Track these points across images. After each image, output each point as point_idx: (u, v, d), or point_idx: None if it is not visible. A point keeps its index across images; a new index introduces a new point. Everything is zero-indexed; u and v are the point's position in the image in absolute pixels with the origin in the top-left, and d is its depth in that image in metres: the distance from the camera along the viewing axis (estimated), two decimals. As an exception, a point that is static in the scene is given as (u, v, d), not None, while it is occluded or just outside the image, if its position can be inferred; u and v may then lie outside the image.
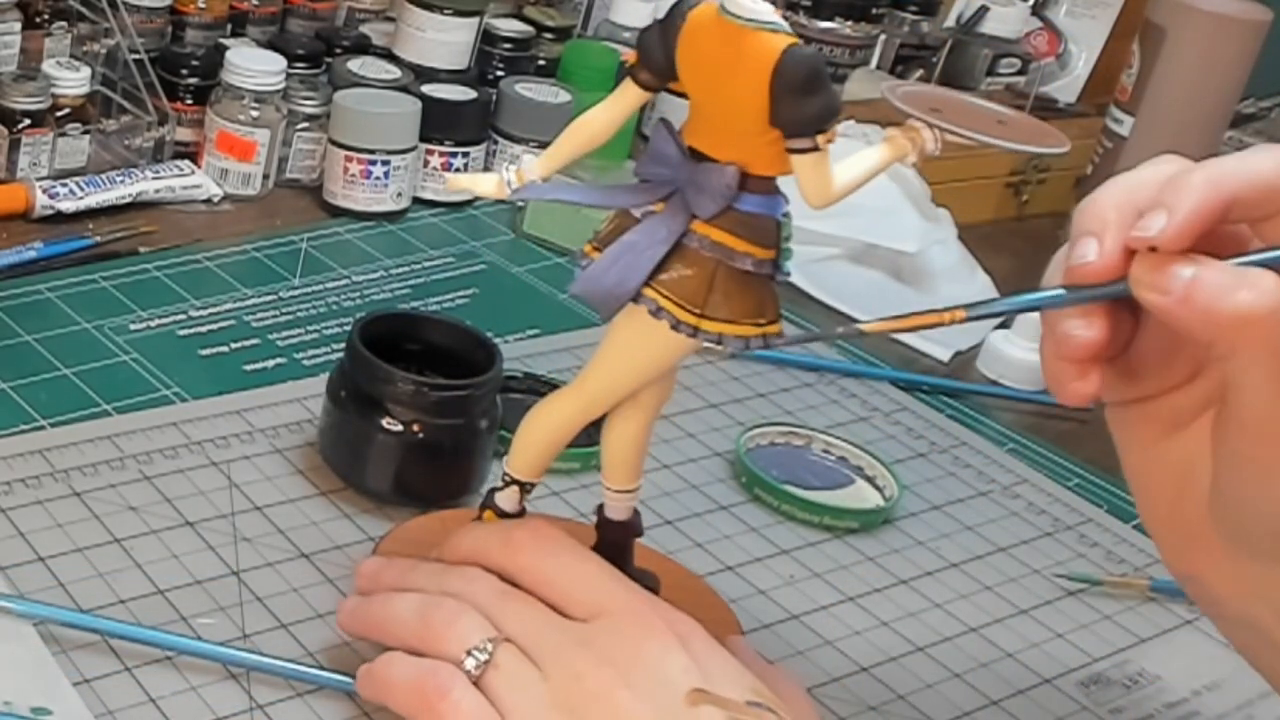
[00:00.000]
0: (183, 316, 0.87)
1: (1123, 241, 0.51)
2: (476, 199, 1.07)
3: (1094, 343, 0.52)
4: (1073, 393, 0.54)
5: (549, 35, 1.19)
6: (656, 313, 0.55)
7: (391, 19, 1.15)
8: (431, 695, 0.56)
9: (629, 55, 0.57)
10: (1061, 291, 0.53)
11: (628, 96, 0.56)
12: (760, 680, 0.57)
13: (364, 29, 1.16)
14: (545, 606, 0.58)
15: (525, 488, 0.63)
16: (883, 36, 1.37)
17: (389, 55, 1.11)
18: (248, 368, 0.83)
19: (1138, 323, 0.53)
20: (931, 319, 0.54)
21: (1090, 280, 0.52)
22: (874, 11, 1.36)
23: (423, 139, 1.03)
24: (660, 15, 0.55)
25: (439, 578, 0.61)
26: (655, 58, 0.54)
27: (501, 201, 1.07)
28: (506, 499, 0.63)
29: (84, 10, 1.02)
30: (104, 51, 1.03)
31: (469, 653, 0.56)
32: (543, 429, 0.61)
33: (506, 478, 0.63)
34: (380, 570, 0.63)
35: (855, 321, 0.57)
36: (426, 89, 1.05)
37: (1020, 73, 1.36)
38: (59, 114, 0.98)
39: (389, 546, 0.67)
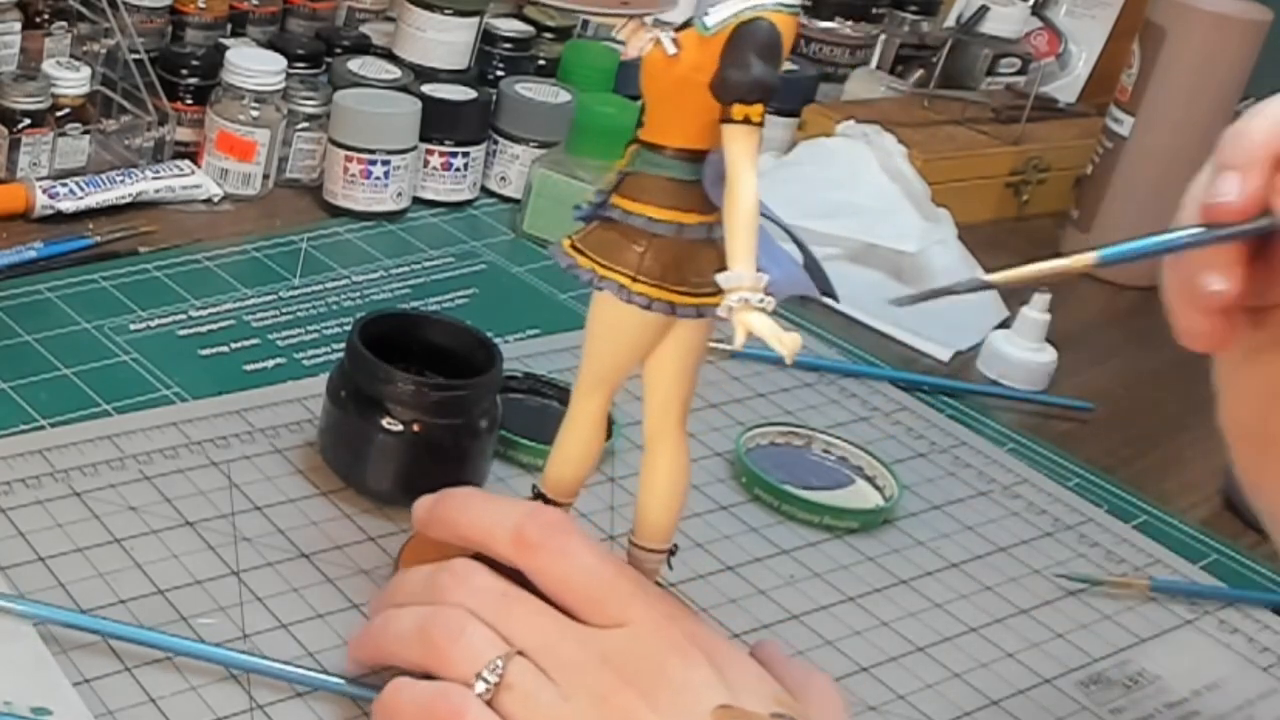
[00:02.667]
0: (183, 316, 0.87)
1: (1269, 175, 0.49)
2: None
3: (1230, 296, 0.50)
4: (1199, 343, 0.52)
5: (549, 35, 1.19)
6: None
7: (391, 19, 1.15)
8: None
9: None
10: (1199, 230, 0.50)
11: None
12: (788, 681, 0.56)
13: (364, 29, 1.16)
14: (555, 612, 0.56)
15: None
16: (883, 36, 1.37)
17: (389, 55, 1.11)
18: (248, 368, 0.83)
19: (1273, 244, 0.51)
20: (1061, 266, 0.52)
21: (1230, 220, 0.49)
22: (874, 11, 1.36)
23: (423, 139, 1.03)
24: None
25: (431, 581, 0.58)
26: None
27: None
28: None
29: (84, 10, 1.02)
30: (104, 51, 1.03)
31: (479, 675, 0.54)
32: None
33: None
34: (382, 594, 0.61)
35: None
36: (426, 89, 1.05)
37: (1020, 73, 1.36)
38: (59, 114, 0.98)
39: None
